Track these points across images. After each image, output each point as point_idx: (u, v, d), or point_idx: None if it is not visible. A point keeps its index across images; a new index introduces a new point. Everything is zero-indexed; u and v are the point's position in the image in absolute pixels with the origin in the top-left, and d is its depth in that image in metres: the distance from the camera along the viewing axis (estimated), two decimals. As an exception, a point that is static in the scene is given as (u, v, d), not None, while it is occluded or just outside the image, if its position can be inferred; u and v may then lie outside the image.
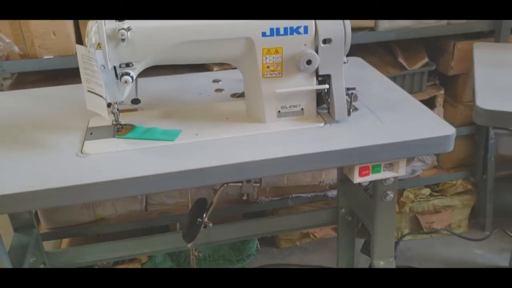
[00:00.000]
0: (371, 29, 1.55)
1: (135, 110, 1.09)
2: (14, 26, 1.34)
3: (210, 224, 1.11)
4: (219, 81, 1.28)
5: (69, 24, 1.38)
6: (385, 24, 1.54)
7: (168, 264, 1.72)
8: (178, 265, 1.72)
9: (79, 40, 1.41)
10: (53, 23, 1.36)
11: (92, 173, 0.84)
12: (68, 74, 1.41)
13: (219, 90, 1.22)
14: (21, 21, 1.35)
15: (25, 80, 1.52)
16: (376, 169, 0.96)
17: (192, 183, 0.88)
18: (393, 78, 1.59)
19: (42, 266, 1.31)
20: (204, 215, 1.10)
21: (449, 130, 0.95)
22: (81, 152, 0.91)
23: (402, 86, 1.62)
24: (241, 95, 1.17)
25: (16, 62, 1.36)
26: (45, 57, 1.38)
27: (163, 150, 0.92)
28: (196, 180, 0.86)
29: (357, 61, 1.39)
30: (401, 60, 1.65)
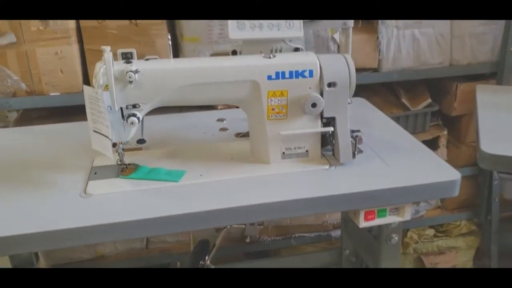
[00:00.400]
0: (375, 70, 1.57)
1: (140, 149, 1.10)
2: (23, 63, 1.36)
3: (212, 267, 1.09)
4: (224, 120, 1.29)
5: (76, 61, 1.40)
6: (388, 65, 1.56)
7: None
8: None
9: (86, 78, 1.43)
10: (61, 61, 1.38)
11: (95, 215, 0.83)
12: (73, 111, 1.42)
13: (223, 129, 1.23)
14: (30, 58, 1.37)
15: (31, 116, 1.53)
16: (381, 213, 0.95)
17: (196, 226, 0.87)
18: (397, 119, 1.60)
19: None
20: (206, 257, 1.08)
21: (455, 175, 0.94)
22: (85, 193, 0.91)
23: (405, 127, 1.63)
24: (245, 135, 1.17)
25: (23, 99, 1.38)
26: (51, 94, 1.39)
27: (167, 191, 0.92)
28: (199, 223, 0.85)
29: (361, 102, 1.40)
30: (404, 100, 1.66)
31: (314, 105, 0.96)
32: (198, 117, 1.33)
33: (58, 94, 1.40)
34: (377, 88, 1.72)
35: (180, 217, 0.84)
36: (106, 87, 0.89)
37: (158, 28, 1.40)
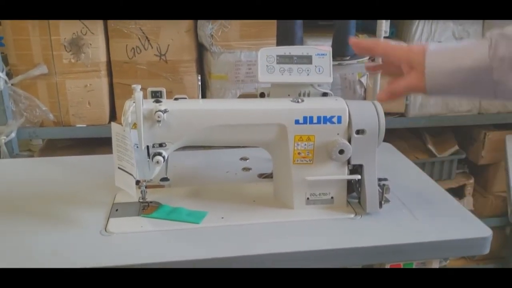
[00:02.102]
0: (401, 115, 1.55)
1: (162, 186, 1.09)
2: (52, 94, 1.39)
3: None
4: (247, 159, 1.28)
5: (105, 94, 1.42)
6: (415, 111, 1.55)
7: None
8: None
9: (113, 110, 1.45)
10: (90, 93, 1.40)
11: (113, 256, 0.81)
12: (98, 142, 1.43)
13: (246, 169, 1.22)
14: (59, 89, 1.39)
15: (56, 145, 1.54)
16: (408, 268, 0.91)
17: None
18: (422, 165, 1.57)
19: None
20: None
21: (485, 231, 0.90)
22: (105, 231, 0.90)
23: (431, 173, 1.60)
24: (268, 176, 1.15)
25: (50, 129, 1.40)
26: (77, 125, 1.41)
27: (188, 234, 0.90)
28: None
29: (386, 147, 1.37)
30: (430, 146, 1.64)
31: (341, 151, 0.94)
32: (221, 154, 1.32)
33: (84, 125, 1.41)
34: (403, 132, 1.70)
35: (199, 262, 0.81)
36: (134, 125, 0.89)
37: (186, 65, 1.42)
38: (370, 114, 0.96)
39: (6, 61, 1.39)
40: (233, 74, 1.43)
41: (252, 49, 1.42)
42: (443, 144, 1.65)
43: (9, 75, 1.38)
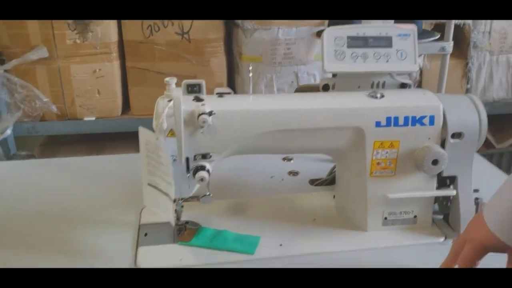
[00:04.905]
0: (461, 101, 1.35)
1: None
2: (54, 82, 1.17)
3: None
4: (291, 159, 1.08)
5: (117, 81, 1.20)
6: (477, 95, 1.34)
7: None
8: None
9: (126, 100, 1.23)
10: (99, 80, 1.19)
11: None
12: (108, 137, 1.23)
13: (293, 173, 1.02)
14: (63, 76, 1.18)
15: (59, 140, 1.33)
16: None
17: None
18: (480, 157, 1.37)
19: None
20: None
21: None
22: (135, 265, 0.71)
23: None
24: (323, 183, 0.96)
25: (52, 124, 1.20)
26: (85, 118, 1.20)
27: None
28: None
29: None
30: (488, 135, 1.43)
31: (435, 162, 0.74)
32: (260, 155, 1.11)
33: (93, 119, 1.20)
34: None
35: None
36: (171, 133, 0.68)
37: (213, 45, 1.20)
38: (469, 112, 0.77)
39: (-4, 43, 1.17)
40: (268, 55, 1.22)
41: (291, 25, 1.20)
42: (502, 134, 1.45)
43: (1, 60, 1.16)
